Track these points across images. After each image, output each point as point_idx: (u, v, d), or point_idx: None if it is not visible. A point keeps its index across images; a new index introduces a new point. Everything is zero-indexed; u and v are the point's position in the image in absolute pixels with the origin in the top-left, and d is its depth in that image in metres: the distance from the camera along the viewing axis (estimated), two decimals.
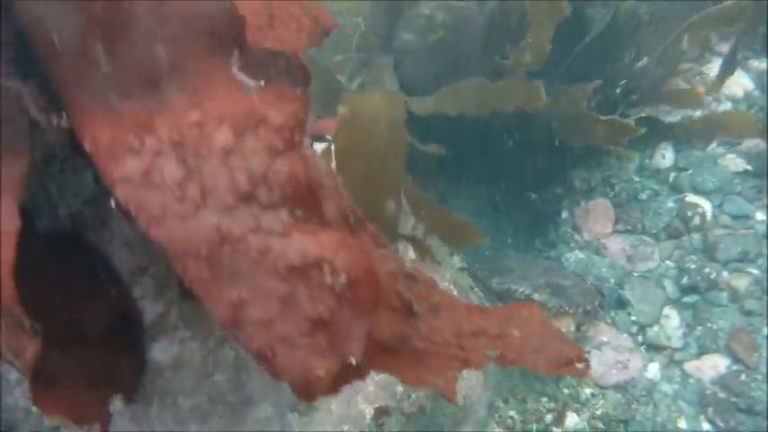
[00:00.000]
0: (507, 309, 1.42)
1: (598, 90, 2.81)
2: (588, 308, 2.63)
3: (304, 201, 0.97)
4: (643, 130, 2.69)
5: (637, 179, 3.17)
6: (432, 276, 2.35)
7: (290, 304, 0.89)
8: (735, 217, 2.98)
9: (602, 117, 2.61)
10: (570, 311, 2.60)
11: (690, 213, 2.97)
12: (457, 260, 2.75)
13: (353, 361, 0.92)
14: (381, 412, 2.33)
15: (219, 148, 0.92)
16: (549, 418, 2.51)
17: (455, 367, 1.28)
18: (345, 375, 0.95)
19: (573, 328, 2.64)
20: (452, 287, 2.51)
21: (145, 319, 1.74)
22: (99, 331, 1.41)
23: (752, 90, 3.35)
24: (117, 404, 1.84)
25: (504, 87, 2.25)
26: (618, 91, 3.00)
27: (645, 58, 3.06)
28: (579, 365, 1.45)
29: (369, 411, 2.30)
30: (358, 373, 1.00)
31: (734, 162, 3.13)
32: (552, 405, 2.57)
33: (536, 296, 2.64)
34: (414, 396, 2.38)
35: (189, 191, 0.89)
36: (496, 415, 2.63)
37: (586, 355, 1.41)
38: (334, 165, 1.83)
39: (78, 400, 1.34)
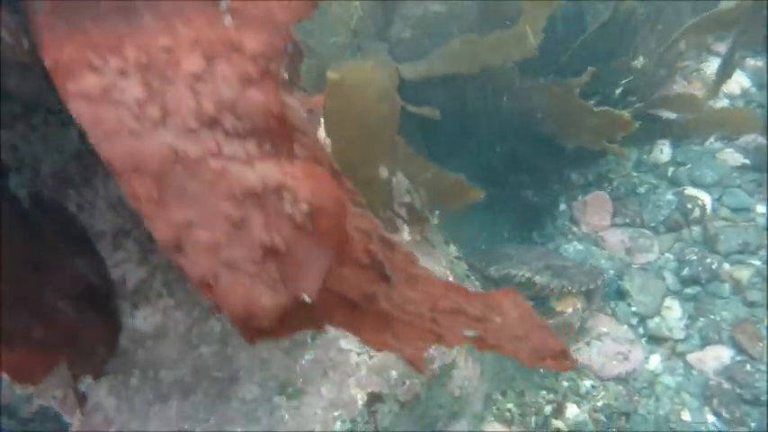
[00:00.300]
0: (491, 295, 1.38)
1: (597, 90, 2.79)
2: (591, 286, 2.57)
3: (275, 135, 0.93)
4: (637, 124, 2.62)
5: (635, 174, 3.14)
6: (426, 259, 2.31)
7: (241, 229, 0.83)
8: (735, 209, 2.94)
9: (595, 108, 2.55)
10: (573, 291, 2.54)
11: (689, 206, 2.93)
12: (453, 249, 2.71)
13: (307, 299, 0.86)
14: (374, 398, 2.26)
15: (188, 74, 0.90)
16: (548, 409, 2.43)
17: (427, 340, 1.24)
18: (297, 317, 0.87)
19: (580, 306, 2.58)
20: (448, 272, 2.46)
21: (127, 284, 1.70)
22: (68, 296, 1.36)
23: (749, 87, 3.35)
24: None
25: (493, 39, 2.23)
26: (618, 91, 2.97)
27: (641, 58, 3.05)
28: (563, 359, 1.41)
29: (361, 397, 2.23)
30: (312, 319, 0.93)
31: (732, 156, 3.11)
32: (552, 397, 2.49)
33: (537, 278, 2.59)
34: (408, 383, 2.31)
35: (149, 111, 0.86)
36: (494, 407, 2.56)
37: (570, 348, 1.38)
38: (322, 131, 1.81)
39: (25, 360, 1.29)
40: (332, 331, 2.23)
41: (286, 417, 2.13)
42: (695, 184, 3.03)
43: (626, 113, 2.65)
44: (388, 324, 1.18)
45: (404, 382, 2.30)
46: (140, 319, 1.78)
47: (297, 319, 0.89)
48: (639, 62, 3.04)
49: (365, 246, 1.10)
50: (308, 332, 2.15)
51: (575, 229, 2.97)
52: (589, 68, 2.43)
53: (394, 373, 2.28)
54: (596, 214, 2.96)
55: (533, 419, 2.45)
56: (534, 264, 2.65)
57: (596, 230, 2.96)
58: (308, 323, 0.92)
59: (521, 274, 2.63)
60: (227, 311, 0.80)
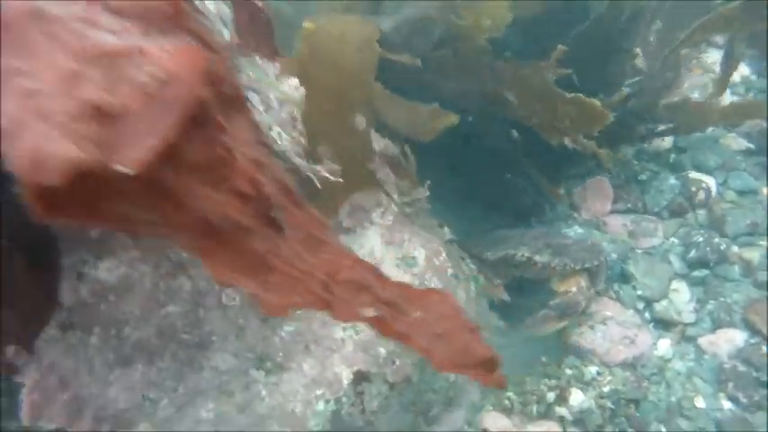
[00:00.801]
0: (417, 289, 1.27)
1: (597, 90, 2.63)
2: (595, 263, 2.42)
3: (167, 23, 0.83)
4: (612, 117, 2.27)
5: (635, 162, 3.03)
6: (417, 235, 2.17)
7: (72, 85, 0.70)
8: (741, 192, 2.82)
9: (568, 95, 2.28)
10: (577, 268, 2.39)
11: (694, 189, 2.82)
12: (447, 232, 2.58)
13: (123, 169, 0.70)
14: (361, 377, 2.08)
15: None
16: (551, 397, 2.25)
17: (307, 300, 1.08)
18: (105, 190, 0.72)
19: (584, 284, 2.42)
20: (441, 249, 2.33)
21: (90, 232, 1.57)
22: None
23: (748, 75, 3.28)
24: (51, 332, 1.64)
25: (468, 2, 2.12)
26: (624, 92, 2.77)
27: (641, 56, 2.95)
28: (490, 370, 1.26)
29: (346, 375, 2.06)
30: (132, 203, 0.77)
31: (735, 141, 3.01)
32: (554, 383, 2.31)
33: (537, 258, 2.44)
34: (398, 362, 2.14)
35: None
36: (492, 396, 2.37)
37: (499, 359, 1.24)
38: (296, 82, 1.71)
39: None
40: None
41: (263, 393, 1.96)
42: (699, 169, 2.92)
43: (598, 105, 2.29)
44: (261, 268, 1.01)
45: (393, 362, 2.13)
46: (103, 271, 1.64)
47: (104, 193, 0.73)
48: (640, 61, 2.95)
49: (251, 174, 0.96)
50: None
51: (575, 214, 2.84)
52: (559, 46, 2.20)
53: (383, 351, 2.11)
54: (597, 200, 2.84)
55: (535, 408, 2.27)
56: (533, 243, 2.51)
57: (597, 216, 2.83)
58: (125, 205, 0.76)
59: (520, 254, 2.48)
60: (16, 160, 0.66)
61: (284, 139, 1.86)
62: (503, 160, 2.84)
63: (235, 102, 0.95)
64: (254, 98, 1.78)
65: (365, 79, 1.74)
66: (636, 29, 2.73)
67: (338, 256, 1.14)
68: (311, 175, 1.77)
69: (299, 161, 1.80)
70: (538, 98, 2.32)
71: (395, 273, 2.14)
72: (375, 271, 1.17)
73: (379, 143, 2.06)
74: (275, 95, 1.93)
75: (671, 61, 2.83)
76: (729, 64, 2.78)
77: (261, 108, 1.84)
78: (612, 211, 2.85)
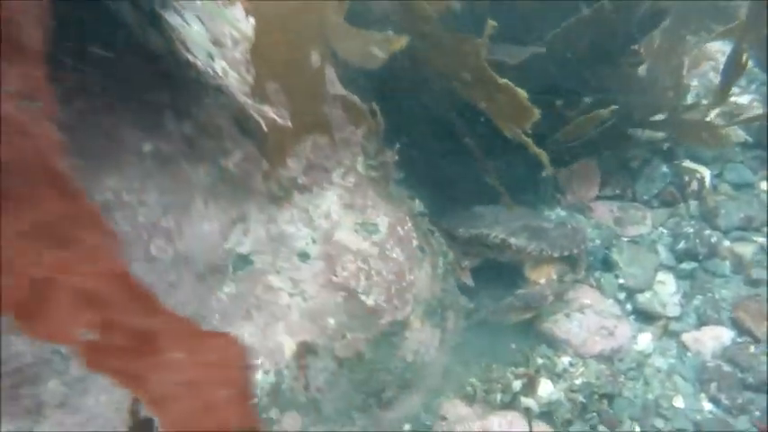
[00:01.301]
0: (194, 326, 0.96)
1: (600, 103, 2.39)
2: (575, 251, 2.23)
3: None
4: (538, 114, 2.00)
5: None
6: (380, 203, 1.97)
7: None
8: (737, 185, 2.64)
9: (499, 80, 2.01)
10: (554, 255, 2.20)
11: (687, 179, 2.64)
12: (418, 204, 2.38)
13: None
14: (306, 349, 1.89)
15: None
16: (517, 385, 2.05)
17: (11, 301, 0.79)
18: None
19: (554, 276, 2.24)
20: (408, 219, 2.13)
21: None
22: None
23: (751, 67, 3.09)
24: None
25: None
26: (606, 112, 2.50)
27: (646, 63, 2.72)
28: None
29: (290, 346, 1.87)
30: None
31: (734, 133, 2.81)
32: (522, 371, 2.11)
33: (513, 240, 2.25)
34: (349, 337, 1.95)
35: None
36: (454, 382, 2.17)
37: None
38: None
39: None
40: (259, 263, 1.88)
41: None
42: (693, 159, 2.74)
43: (525, 96, 1.99)
44: None
45: (343, 335, 1.93)
46: None
47: None
48: (644, 69, 2.73)
49: None
50: (230, 258, 1.80)
51: (559, 197, 2.65)
52: (489, 22, 1.90)
53: (332, 322, 1.91)
54: (583, 184, 2.66)
55: (499, 397, 2.08)
56: (510, 224, 2.32)
57: (583, 200, 2.64)
58: None
59: (494, 234, 2.29)
60: None
61: (231, 76, 1.67)
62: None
63: None
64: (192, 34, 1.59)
65: (318, 12, 1.55)
66: (648, 27, 2.49)
67: (92, 257, 0.86)
68: (256, 115, 1.58)
69: (243, 99, 1.60)
70: (477, 79, 2.09)
71: (352, 239, 1.95)
72: (136, 289, 0.89)
73: (343, 95, 1.87)
74: (230, 32, 1.74)
75: (675, 71, 2.64)
76: (733, 71, 2.58)
77: (205, 44, 1.65)
78: (599, 197, 2.67)
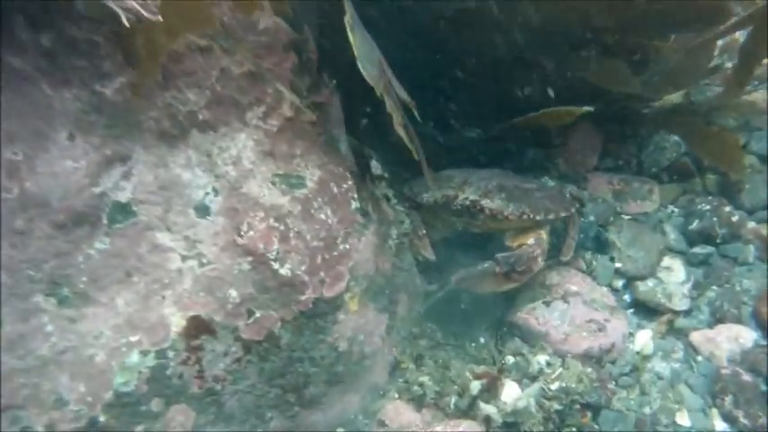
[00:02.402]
0: None
1: None
2: (563, 213, 1.81)
3: None
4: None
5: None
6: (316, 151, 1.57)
7: None
8: (765, 158, 2.16)
9: None
10: (538, 218, 1.78)
11: None
12: (375, 165, 1.98)
13: None
14: (199, 327, 1.49)
15: None
16: (475, 387, 1.62)
17: None
18: None
19: (545, 237, 1.81)
20: (349, 177, 1.72)
21: None
22: None
23: None
24: None
25: None
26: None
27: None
28: None
29: (178, 321, 1.47)
30: None
31: (762, 98, 2.34)
32: (484, 370, 1.69)
33: (485, 202, 1.83)
34: (259, 314, 1.54)
35: None
36: (400, 380, 1.76)
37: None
38: None
39: None
40: (144, 216, 1.50)
41: (50, 328, 1.38)
42: (712, 123, 2.26)
43: None
44: None
45: (251, 312, 1.53)
46: None
47: None
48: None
49: None
50: (103, 207, 1.41)
51: (548, 165, 2.21)
52: None
53: (234, 295, 1.52)
54: (581, 151, 2.21)
55: (454, 401, 1.66)
56: (482, 184, 1.89)
57: (579, 169, 2.19)
58: None
59: (463, 196, 1.86)
60: None
61: None
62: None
63: None
64: None
65: None
66: None
67: None
68: (114, 6, 1.19)
69: None
70: None
71: (266, 193, 1.55)
72: None
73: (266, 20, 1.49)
74: None
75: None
76: (749, 60, 2.09)
77: None
78: (599, 167, 2.21)
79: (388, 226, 1.87)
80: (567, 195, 1.90)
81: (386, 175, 2.03)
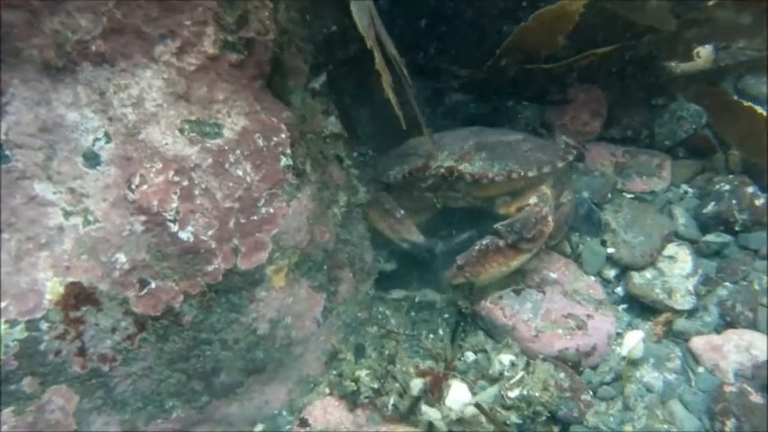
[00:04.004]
0: None
1: None
2: (560, 164, 1.51)
3: None
4: None
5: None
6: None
7: None
8: None
9: None
10: (531, 175, 1.48)
11: None
12: (334, 121, 1.70)
13: None
14: (80, 296, 1.26)
15: None
16: (416, 386, 1.34)
17: None
18: None
19: (549, 192, 1.53)
20: (284, 129, 1.45)
21: None
22: None
23: None
24: None
25: None
26: None
27: None
28: None
29: (54, 288, 1.24)
30: None
31: None
32: (431, 366, 1.41)
33: (464, 167, 1.53)
34: (155, 284, 1.29)
35: None
36: (333, 372, 1.50)
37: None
38: None
39: None
40: (20, 161, 1.26)
41: None
42: (743, 94, 1.91)
43: None
44: None
45: (145, 281, 1.28)
46: None
47: None
48: None
49: None
50: None
51: (544, 131, 1.89)
52: None
53: (123, 259, 1.27)
54: (580, 116, 1.87)
55: (392, 401, 1.38)
56: (457, 146, 1.59)
57: (577, 137, 1.86)
58: None
59: (435, 165, 1.56)
60: None
61: None
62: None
63: None
64: None
65: None
66: None
67: None
68: None
69: None
70: None
71: (170, 141, 1.29)
72: None
73: None
74: None
75: None
76: None
77: None
78: (602, 137, 1.88)
79: (334, 191, 1.59)
80: (563, 144, 1.59)
81: (345, 134, 1.74)
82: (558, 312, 1.51)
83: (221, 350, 1.40)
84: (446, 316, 1.66)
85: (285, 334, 1.47)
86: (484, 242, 1.49)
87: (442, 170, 1.55)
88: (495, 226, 1.48)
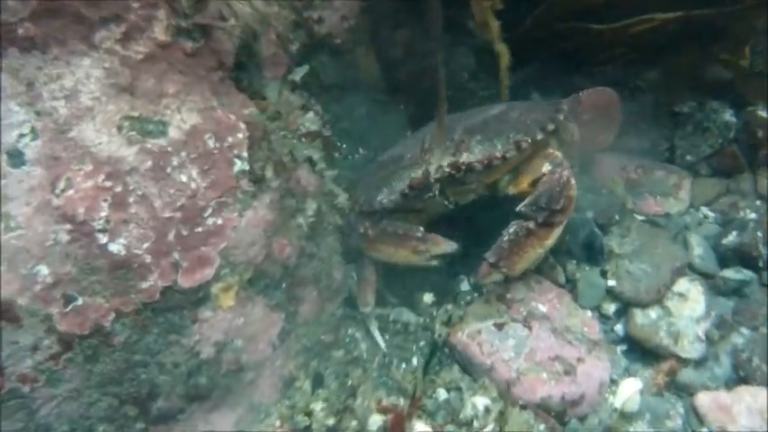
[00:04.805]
0: None
1: None
2: (560, 116, 1.39)
3: None
4: None
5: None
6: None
7: None
8: None
9: None
10: (539, 138, 1.34)
11: (760, 134, 1.59)
12: (313, 117, 1.53)
13: None
14: None
15: None
16: (374, 423, 1.19)
17: None
18: None
19: (559, 153, 1.39)
20: (242, 127, 1.28)
21: None
22: None
23: None
24: None
25: None
26: None
27: None
28: None
29: None
30: None
31: None
32: (392, 402, 1.25)
33: (466, 157, 1.37)
34: (81, 301, 1.14)
35: None
36: (286, 402, 1.34)
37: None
38: None
39: None
40: None
41: None
42: None
43: None
44: None
45: (71, 298, 1.14)
46: None
47: None
48: None
49: None
50: None
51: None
52: None
53: (45, 272, 1.11)
54: (591, 124, 1.65)
55: None
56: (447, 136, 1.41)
57: (589, 147, 1.65)
58: None
59: (436, 168, 1.38)
60: None
61: None
62: None
63: None
64: None
65: None
66: None
67: None
68: None
69: None
70: None
71: (105, 140, 1.13)
72: None
73: None
74: None
75: None
76: None
77: None
78: (614, 148, 1.67)
79: (300, 198, 1.42)
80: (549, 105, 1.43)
81: (324, 132, 1.57)
82: (544, 353, 1.33)
83: (159, 374, 1.26)
84: (422, 344, 1.48)
85: (234, 358, 1.32)
86: (511, 230, 1.32)
87: (447, 169, 1.37)
88: (518, 208, 1.32)
